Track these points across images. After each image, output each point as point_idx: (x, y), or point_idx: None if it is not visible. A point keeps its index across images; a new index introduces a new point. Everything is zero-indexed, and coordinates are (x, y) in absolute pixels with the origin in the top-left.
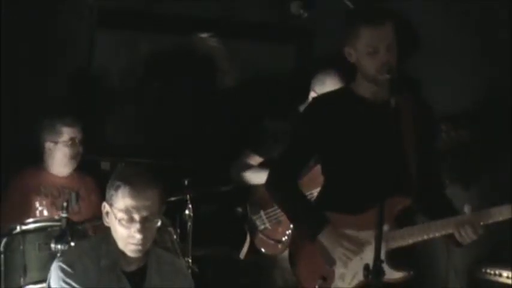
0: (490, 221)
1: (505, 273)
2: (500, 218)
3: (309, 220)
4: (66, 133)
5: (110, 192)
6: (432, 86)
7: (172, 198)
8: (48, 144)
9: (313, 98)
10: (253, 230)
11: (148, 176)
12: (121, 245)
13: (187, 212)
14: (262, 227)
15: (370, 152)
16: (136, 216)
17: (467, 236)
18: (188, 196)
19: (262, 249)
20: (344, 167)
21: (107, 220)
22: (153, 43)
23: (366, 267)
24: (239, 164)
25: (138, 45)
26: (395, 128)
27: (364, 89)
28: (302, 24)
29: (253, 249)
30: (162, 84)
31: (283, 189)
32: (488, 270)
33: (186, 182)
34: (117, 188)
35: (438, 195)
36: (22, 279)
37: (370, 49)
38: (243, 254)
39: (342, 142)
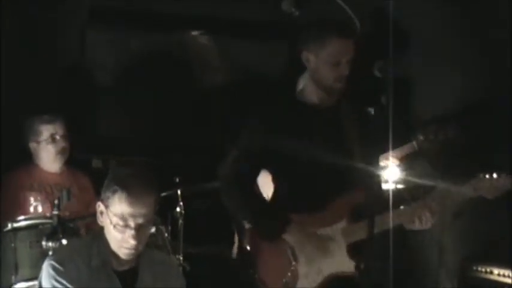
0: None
1: (496, 271)
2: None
3: (271, 219)
4: (46, 130)
5: (106, 193)
6: (431, 86)
7: (164, 194)
8: (32, 145)
9: (257, 112)
10: (241, 229)
11: (146, 181)
12: (114, 246)
13: (178, 209)
14: (248, 225)
15: (318, 155)
16: (132, 223)
17: (426, 220)
18: (179, 193)
19: (249, 248)
20: (295, 172)
21: (101, 219)
22: (144, 41)
23: (357, 267)
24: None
25: (129, 43)
26: (341, 129)
27: (313, 94)
28: (293, 23)
29: (241, 247)
30: (153, 81)
31: (239, 191)
32: (479, 268)
33: (177, 180)
34: (114, 192)
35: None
36: (13, 277)
37: (333, 59)
38: (234, 253)
39: (291, 149)
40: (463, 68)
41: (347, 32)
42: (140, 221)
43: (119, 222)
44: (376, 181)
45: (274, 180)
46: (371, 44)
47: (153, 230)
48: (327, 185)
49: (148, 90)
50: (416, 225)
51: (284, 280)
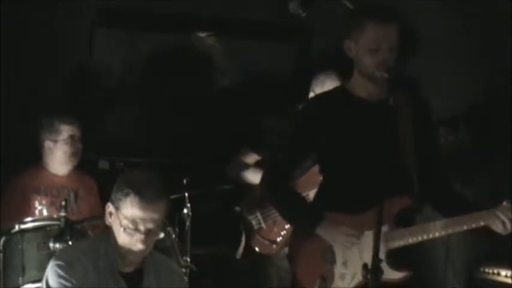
0: None
1: (503, 272)
2: None
3: (305, 216)
4: (65, 131)
5: (117, 195)
6: (432, 87)
7: (172, 196)
8: (48, 143)
9: (309, 99)
10: (249, 229)
11: (159, 187)
12: (121, 248)
13: (185, 211)
14: (257, 227)
15: (367, 152)
16: (142, 227)
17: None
18: (187, 195)
19: (257, 249)
20: (342, 167)
21: (110, 220)
22: (152, 42)
23: (365, 266)
24: (236, 162)
25: (137, 44)
26: (392, 127)
27: (360, 88)
28: (301, 24)
29: (248, 248)
30: (161, 83)
31: (278, 189)
32: (486, 269)
33: (184, 181)
34: (126, 195)
35: (446, 192)
36: (20, 279)
37: (373, 45)
38: (239, 253)
39: (338, 142)
40: (471, 68)
41: (384, 16)
42: (150, 226)
43: (129, 225)
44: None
45: (321, 173)
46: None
47: (161, 235)
48: (373, 185)
49: (156, 91)
50: (499, 230)
51: (319, 280)
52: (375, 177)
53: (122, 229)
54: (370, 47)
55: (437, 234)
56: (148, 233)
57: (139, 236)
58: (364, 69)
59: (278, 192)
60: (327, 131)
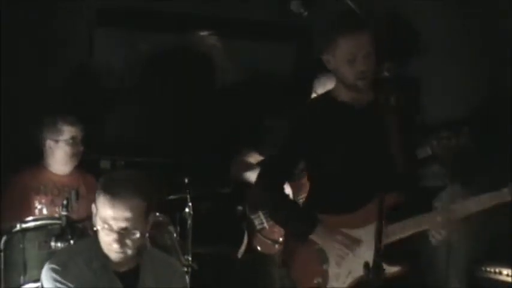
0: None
1: (504, 271)
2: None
3: (299, 221)
4: (68, 132)
5: (96, 196)
6: (432, 87)
7: (172, 197)
8: (49, 143)
9: (299, 106)
10: (251, 229)
11: (131, 186)
12: (104, 248)
13: (187, 210)
14: (260, 226)
15: (354, 155)
16: (114, 226)
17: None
18: (188, 194)
19: (259, 248)
20: (330, 171)
21: (94, 221)
22: (152, 42)
23: (366, 265)
24: (239, 161)
25: (137, 43)
26: (377, 129)
27: (343, 94)
28: (302, 23)
29: (250, 248)
30: (161, 83)
31: (271, 193)
32: (488, 269)
33: (186, 180)
34: (98, 195)
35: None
36: (22, 278)
37: (347, 56)
38: (240, 253)
39: (325, 147)
40: (471, 68)
41: (354, 27)
42: (122, 224)
43: (104, 225)
44: (415, 183)
45: (309, 179)
46: (380, 45)
47: (137, 235)
48: (363, 185)
49: (157, 91)
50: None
51: (315, 281)
52: (363, 178)
53: (100, 229)
54: (347, 58)
55: (427, 227)
56: (122, 232)
57: (113, 236)
58: (344, 80)
59: (270, 195)
60: (314, 136)
